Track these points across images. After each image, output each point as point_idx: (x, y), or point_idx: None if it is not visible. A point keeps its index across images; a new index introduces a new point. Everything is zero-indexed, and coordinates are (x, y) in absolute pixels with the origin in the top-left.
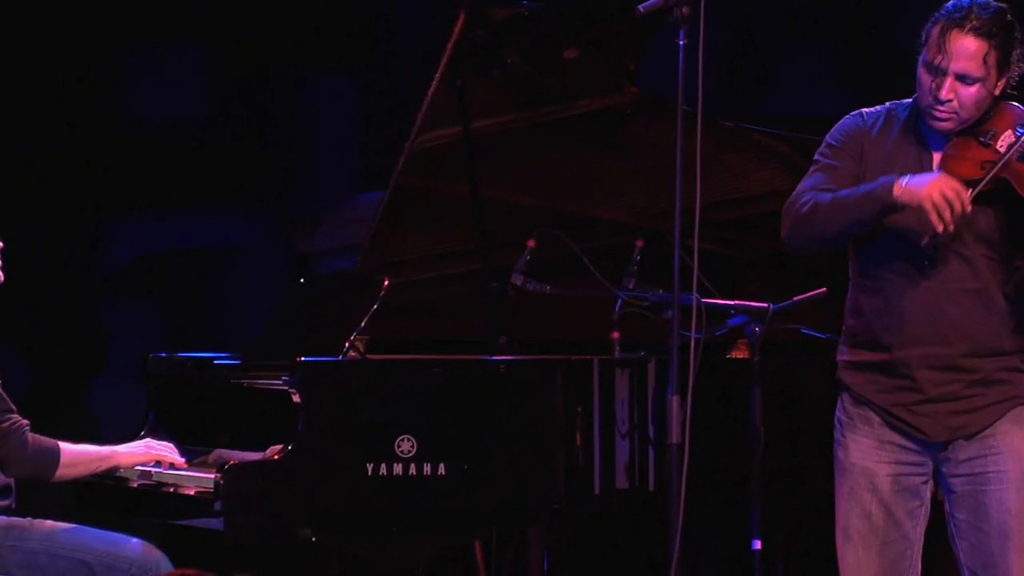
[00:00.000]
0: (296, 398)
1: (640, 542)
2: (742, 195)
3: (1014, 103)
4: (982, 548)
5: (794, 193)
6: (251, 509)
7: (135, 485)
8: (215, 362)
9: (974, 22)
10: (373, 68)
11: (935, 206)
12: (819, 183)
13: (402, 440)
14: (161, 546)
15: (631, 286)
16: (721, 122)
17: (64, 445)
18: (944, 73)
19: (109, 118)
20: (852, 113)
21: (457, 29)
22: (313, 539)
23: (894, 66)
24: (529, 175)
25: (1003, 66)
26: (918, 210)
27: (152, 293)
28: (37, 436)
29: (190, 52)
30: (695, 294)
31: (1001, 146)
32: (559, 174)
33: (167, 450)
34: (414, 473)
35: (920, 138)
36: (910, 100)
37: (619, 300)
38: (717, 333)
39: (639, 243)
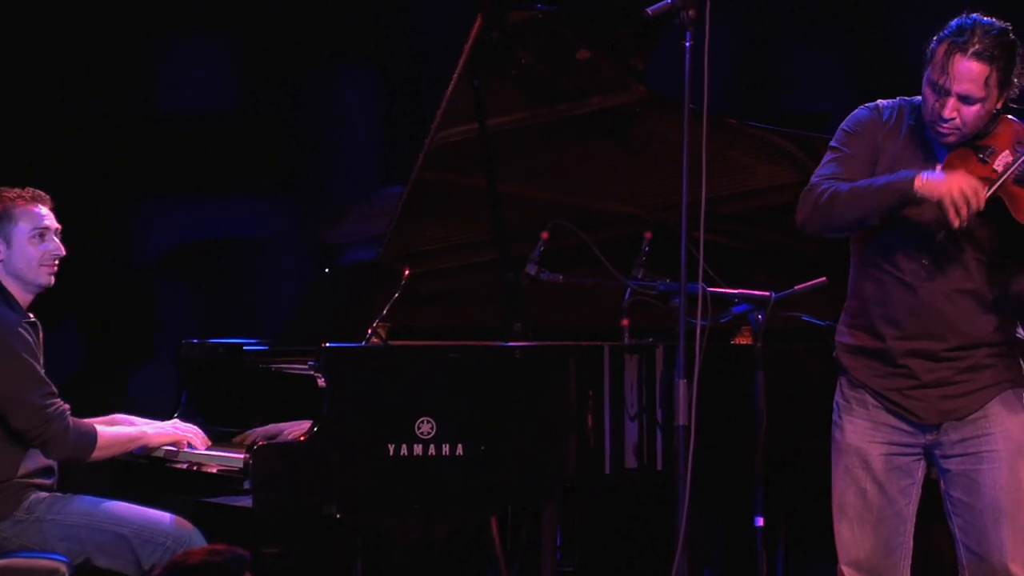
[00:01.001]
0: (321, 382)
1: (648, 519)
2: (746, 189)
3: (1014, 119)
4: (976, 524)
5: (812, 181)
6: (278, 487)
7: (168, 465)
8: (245, 348)
9: (976, 46)
10: (397, 62)
11: (954, 202)
12: (836, 172)
13: (422, 422)
14: (193, 522)
15: (640, 276)
16: (726, 120)
17: (100, 428)
18: (948, 93)
19: (143, 110)
20: (867, 105)
21: (475, 31)
22: (338, 516)
23: (902, 65)
24: (543, 170)
25: (1004, 85)
26: (936, 205)
27: (186, 282)
28: (77, 420)
29: (220, 46)
30: (701, 283)
31: (998, 165)
32: (571, 169)
33: (192, 431)
34: (433, 453)
35: (926, 143)
36: (920, 99)
37: (628, 289)
38: (722, 320)
39: (647, 235)
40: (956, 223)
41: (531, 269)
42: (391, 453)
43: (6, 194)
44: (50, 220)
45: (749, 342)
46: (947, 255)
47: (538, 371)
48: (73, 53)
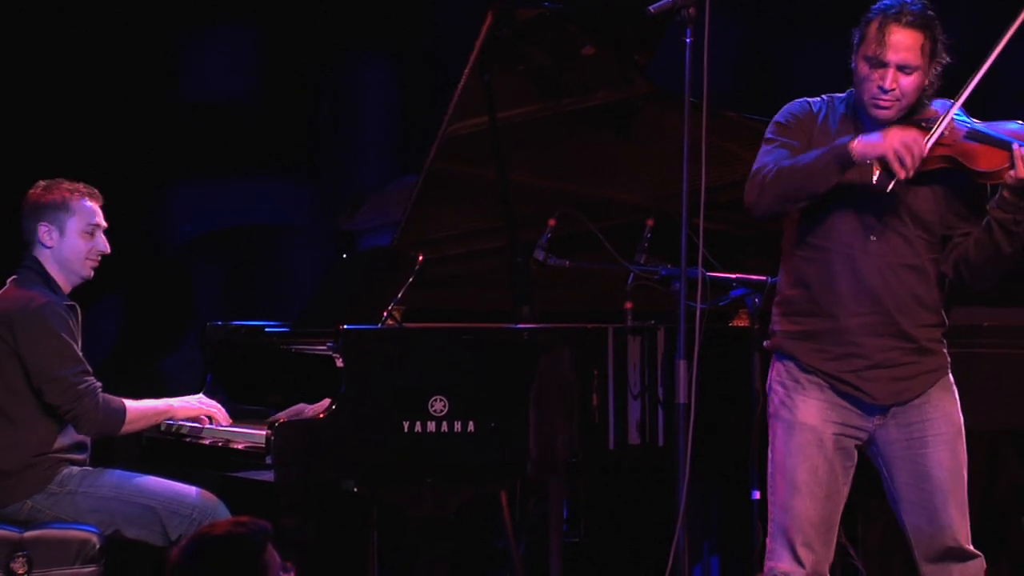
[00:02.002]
0: (339, 362)
1: (650, 492)
2: (743, 178)
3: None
4: (926, 505)
5: (755, 166)
6: (299, 463)
7: (192, 441)
8: (266, 330)
9: (908, 16)
10: (415, 51)
11: (896, 153)
12: (776, 159)
13: (435, 400)
14: (217, 496)
15: (642, 261)
16: (725, 112)
17: (129, 403)
18: (886, 65)
19: (168, 98)
20: (798, 100)
21: (485, 28)
22: (355, 490)
23: None
24: (550, 161)
25: (934, 56)
26: (876, 162)
27: (211, 267)
28: (107, 396)
29: (241, 37)
30: (700, 268)
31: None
32: (577, 160)
33: (215, 407)
34: (446, 430)
35: (860, 127)
36: (844, 94)
37: (631, 274)
38: (720, 303)
39: (650, 222)
40: (902, 174)
41: (539, 255)
42: (405, 430)
43: (64, 185)
44: (100, 218)
45: (746, 324)
46: (892, 230)
47: (545, 352)
48: (104, 44)
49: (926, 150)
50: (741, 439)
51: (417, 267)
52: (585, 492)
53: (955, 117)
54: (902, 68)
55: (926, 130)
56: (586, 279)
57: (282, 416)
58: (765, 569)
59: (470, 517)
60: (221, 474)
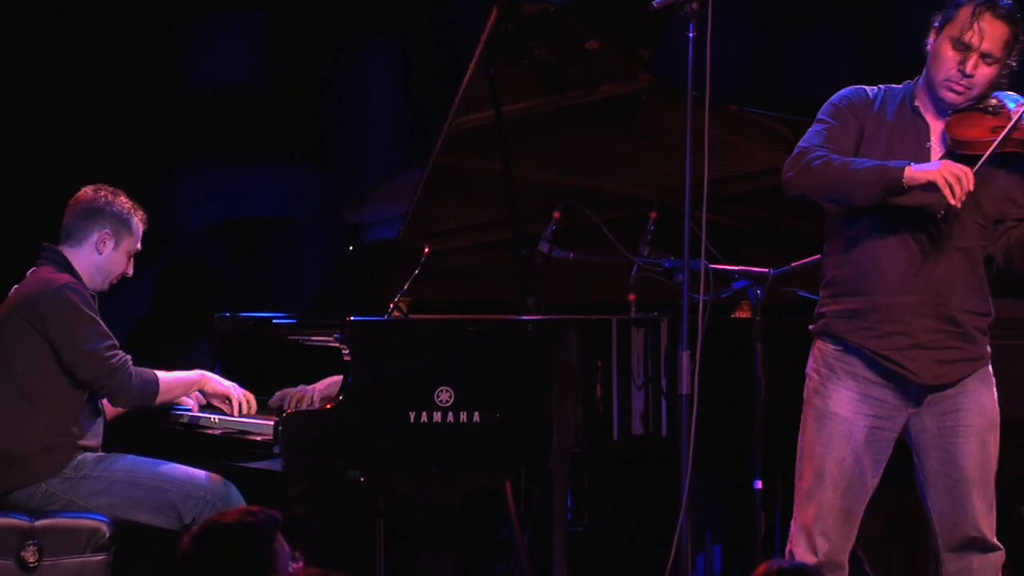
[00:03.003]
0: (346, 353)
1: (653, 482)
2: (745, 171)
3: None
4: (952, 493)
5: (801, 145)
6: (306, 452)
7: (205, 431)
8: (274, 321)
9: (1002, 9)
10: (423, 40)
11: (947, 181)
12: (824, 142)
13: (441, 391)
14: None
15: (646, 253)
16: (727, 106)
17: (161, 373)
18: (972, 49)
19: (174, 87)
20: (855, 87)
21: (490, 23)
22: (362, 479)
23: (907, 56)
24: (554, 154)
25: (1012, 52)
26: (928, 188)
27: (219, 259)
28: (139, 368)
29: (248, 24)
30: (703, 260)
31: (1010, 114)
32: (581, 153)
33: (245, 396)
34: (452, 420)
35: (918, 112)
36: (901, 86)
37: (635, 266)
38: (723, 295)
39: (653, 215)
40: (953, 201)
41: (543, 247)
42: (412, 420)
43: (124, 200)
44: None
45: (748, 316)
46: (950, 213)
47: (550, 343)
48: (113, 30)
49: (972, 183)
50: (743, 430)
51: (423, 259)
52: (589, 482)
53: (1017, 105)
54: (985, 56)
55: (994, 113)
56: (590, 271)
57: (289, 396)
58: (785, 554)
59: (475, 506)
60: (230, 463)
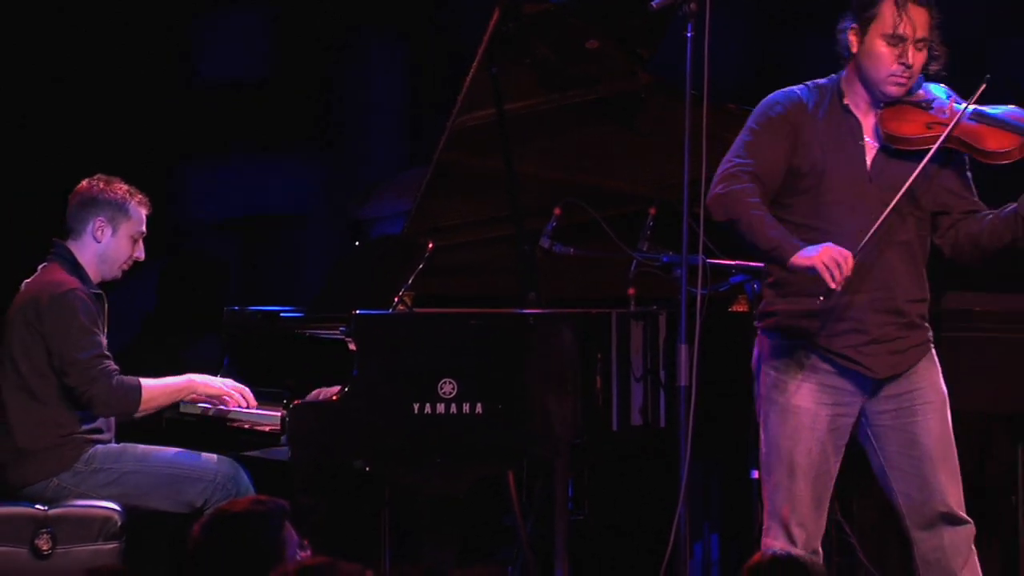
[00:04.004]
0: (352, 346)
1: (652, 472)
2: None
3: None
4: (916, 472)
5: (733, 159)
6: (313, 443)
7: (211, 421)
8: (281, 315)
9: None
10: (426, 34)
11: (826, 266)
12: (751, 162)
13: (444, 383)
14: None
15: (645, 248)
16: (724, 104)
17: (145, 382)
18: (907, 40)
19: (183, 81)
20: (783, 90)
21: (492, 23)
22: (367, 469)
23: None
24: (556, 151)
25: (937, 33)
26: (810, 271)
27: (229, 254)
28: (122, 378)
29: (254, 19)
30: (701, 255)
31: (943, 110)
32: (582, 150)
33: (243, 390)
34: (455, 412)
35: (848, 110)
36: (825, 80)
37: (634, 261)
38: (720, 289)
39: (652, 211)
40: (833, 285)
41: (545, 242)
42: (416, 411)
43: (123, 185)
44: (145, 227)
45: (745, 309)
46: (887, 208)
47: (551, 336)
48: (122, 26)
49: (851, 269)
50: (740, 420)
51: (427, 254)
52: (589, 472)
53: (950, 99)
54: (919, 42)
55: (926, 108)
56: (590, 266)
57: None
58: (762, 546)
59: (478, 496)
60: (238, 453)
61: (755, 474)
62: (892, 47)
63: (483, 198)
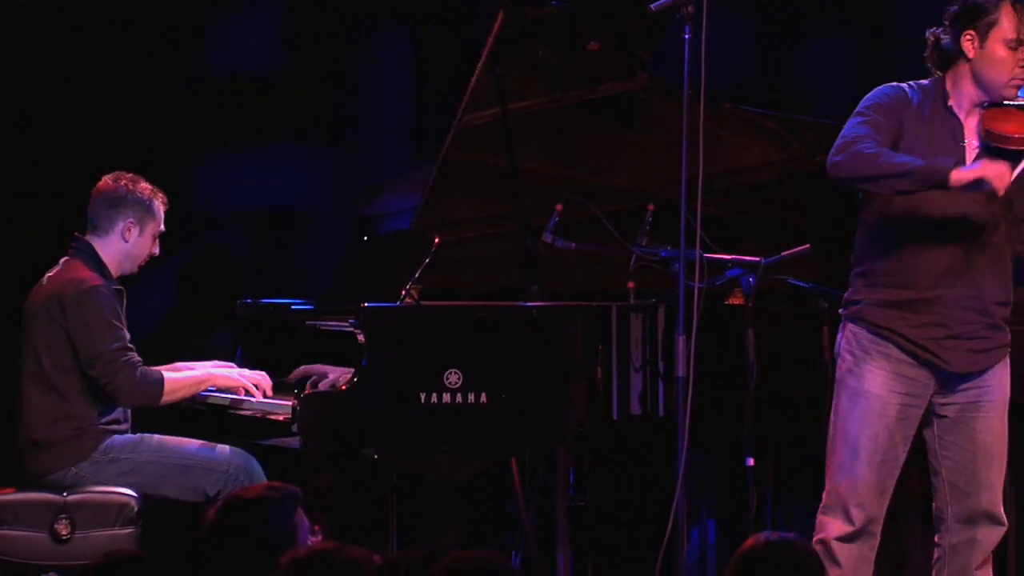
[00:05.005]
0: (360, 338)
1: (651, 460)
2: (739, 166)
3: None
4: (969, 465)
5: (848, 133)
6: (323, 432)
7: (234, 412)
8: (293, 307)
9: None
10: (438, 32)
11: (995, 176)
12: (870, 131)
13: (450, 373)
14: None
15: (644, 243)
16: (721, 104)
17: (167, 374)
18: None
19: (196, 76)
20: (892, 84)
21: (497, 25)
22: (375, 457)
23: (908, 55)
24: (558, 150)
25: None
26: (975, 184)
27: (241, 248)
28: (146, 369)
29: (266, 14)
30: (698, 250)
31: None
32: (583, 149)
33: (260, 376)
34: (460, 401)
35: (952, 111)
36: (927, 81)
37: (634, 255)
38: (717, 283)
39: (651, 207)
40: (1001, 191)
41: (547, 238)
42: (422, 401)
43: (144, 185)
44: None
45: (741, 302)
46: (982, 209)
47: (553, 328)
48: (132, 19)
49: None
50: (736, 410)
51: (433, 249)
52: (590, 459)
53: None
54: None
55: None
56: (591, 260)
57: (307, 371)
58: (816, 522)
59: (482, 483)
60: (251, 441)
61: (750, 461)
62: (1013, 51)
63: (487, 195)
